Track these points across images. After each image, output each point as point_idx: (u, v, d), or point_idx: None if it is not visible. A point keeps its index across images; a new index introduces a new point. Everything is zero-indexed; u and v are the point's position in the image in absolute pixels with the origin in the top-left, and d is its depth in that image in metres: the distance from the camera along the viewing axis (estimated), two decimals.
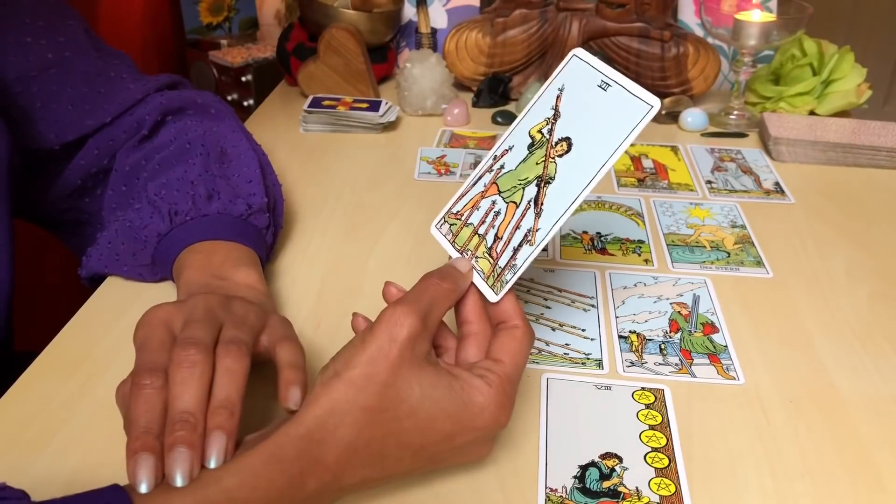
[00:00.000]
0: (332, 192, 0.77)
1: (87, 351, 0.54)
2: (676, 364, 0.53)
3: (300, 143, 0.90)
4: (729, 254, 0.67)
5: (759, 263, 0.66)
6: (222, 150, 0.61)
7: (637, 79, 0.99)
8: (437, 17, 1.09)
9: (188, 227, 0.56)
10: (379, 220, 0.72)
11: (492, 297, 0.44)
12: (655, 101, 0.41)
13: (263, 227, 0.59)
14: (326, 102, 0.94)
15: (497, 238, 0.45)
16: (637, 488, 0.43)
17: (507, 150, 0.48)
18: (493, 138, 0.91)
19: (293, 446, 0.36)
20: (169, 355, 0.40)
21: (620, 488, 0.43)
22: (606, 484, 0.43)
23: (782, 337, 0.56)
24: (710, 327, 0.57)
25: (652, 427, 0.48)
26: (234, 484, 0.35)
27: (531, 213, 0.44)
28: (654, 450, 0.46)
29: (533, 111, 0.47)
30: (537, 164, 0.45)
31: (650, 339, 0.56)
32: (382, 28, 1.04)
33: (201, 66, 1.46)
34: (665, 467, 0.45)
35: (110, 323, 0.57)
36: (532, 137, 0.46)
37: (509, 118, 0.96)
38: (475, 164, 0.84)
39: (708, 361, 0.54)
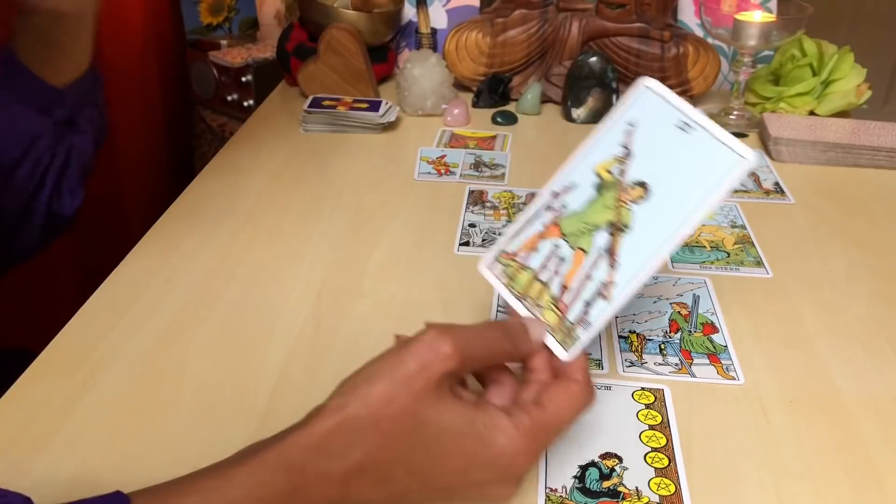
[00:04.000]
0: (332, 192, 0.77)
1: (87, 351, 0.54)
2: (676, 364, 0.53)
3: (300, 143, 0.90)
4: (729, 254, 0.67)
5: (759, 263, 0.66)
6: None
7: (637, 79, 0.99)
8: (437, 17, 1.09)
9: None
10: (379, 220, 0.72)
11: (562, 354, 0.41)
12: (750, 155, 0.38)
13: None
14: (326, 102, 0.94)
15: (564, 288, 0.41)
16: (637, 488, 0.43)
17: (568, 187, 0.43)
18: (493, 138, 0.91)
19: (301, 457, 0.35)
20: None
21: (620, 488, 0.43)
22: (606, 484, 0.43)
23: (782, 337, 0.56)
24: (710, 327, 0.57)
25: (652, 427, 0.48)
26: (239, 492, 0.35)
27: (604, 263, 0.40)
28: (654, 450, 0.46)
29: (597, 145, 0.43)
30: (608, 207, 0.41)
31: (650, 339, 0.56)
32: (382, 28, 1.04)
33: (201, 66, 1.46)
34: (665, 467, 0.45)
35: (110, 323, 0.57)
36: (600, 177, 0.42)
37: (509, 118, 0.96)
38: (475, 165, 0.84)
39: (708, 361, 0.54)
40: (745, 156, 0.38)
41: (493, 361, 0.40)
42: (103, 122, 0.67)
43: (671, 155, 0.40)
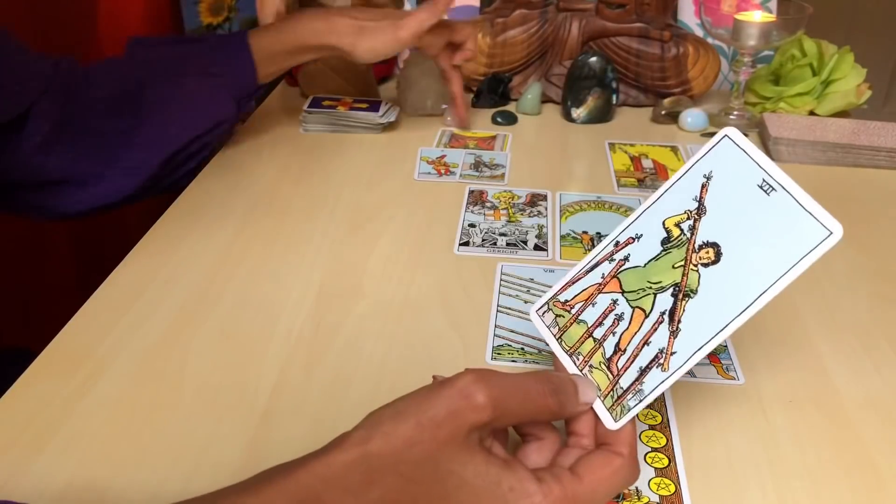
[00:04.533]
0: (332, 192, 0.77)
1: (88, 351, 0.54)
2: None
3: (300, 143, 0.90)
4: None
5: None
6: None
7: (637, 79, 1.00)
8: None
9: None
10: (379, 220, 0.72)
11: (609, 422, 0.38)
12: (838, 229, 0.35)
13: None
14: (326, 103, 0.94)
15: (619, 350, 0.39)
16: (637, 488, 0.43)
17: (632, 239, 0.40)
18: (493, 138, 0.91)
19: (317, 488, 0.34)
20: None
21: None
22: None
23: (782, 337, 0.56)
24: None
25: (652, 427, 0.48)
26: None
27: (664, 328, 0.37)
28: (654, 450, 0.46)
29: (670, 196, 0.40)
30: (674, 267, 0.38)
31: None
32: None
33: None
34: (665, 467, 0.45)
35: (111, 323, 0.57)
36: (668, 231, 0.39)
37: (509, 118, 0.96)
38: (475, 165, 0.84)
39: (708, 361, 0.54)
40: (833, 230, 0.35)
41: (532, 418, 0.38)
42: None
43: (748, 217, 0.37)
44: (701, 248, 0.38)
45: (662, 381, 0.37)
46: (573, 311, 0.41)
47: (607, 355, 0.39)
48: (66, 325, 0.56)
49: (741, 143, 0.39)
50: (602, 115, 0.96)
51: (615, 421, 0.38)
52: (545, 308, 0.43)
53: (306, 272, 0.64)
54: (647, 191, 0.79)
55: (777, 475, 0.44)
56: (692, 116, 0.94)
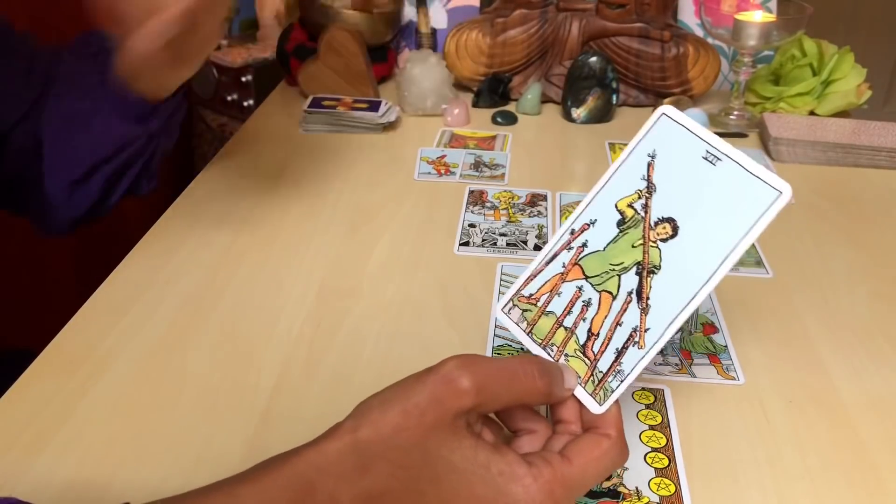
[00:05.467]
0: (332, 192, 0.77)
1: (87, 351, 0.54)
2: (676, 364, 0.53)
3: (300, 143, 0.90)
4: None
5: (759, 263, 0.66)
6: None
7: (637, 79, 1.00)
8: (437, 17, 1.09)
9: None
10: (379, 220, 0.72)
11: (594, 407, 0.38)
12: (785, 188, 0.36)
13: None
14: (326, 103, 0.94)
15: (592, 335, 0.39)
16: (637, 488, 0.43)
17: (587, 225, 0.41)
18: (493, 138, 0.91)
19: (310, 476, 0.34)
20: None
21: (620, 488, 0.43)
22: (606, 484, 0.43)
23: (782, 337, 0.56)
24: (710, 327, 0.57)
25: (652, 427, 0.48)
26: None
27: (634, 307, 0.38)
28: (654, 450, 0.46)
29: (617, 179, 0.41)
30: (634, 246, 0.39)
31: None
32: (382, 28, 1.04)
33: (201, 66, 1.46)
34: (665, 467, 0.45)
35: (110, 323, 0.57)
36: (622, 213, 0.40)
37: (509, 118, 0.96)
38: (475, 165, 0.84)
39: (708, 361, 0.54)
40: (782, 189, 0.36)
41: (521, 401, 0.37)
42: (182, 114, 0.72)
43: (698, 189, 0.38)
44: (657, 224, 0.38)
45: (641, 359, 0.37)
46: (539, 304, 0.41)
47: (581, 342, 0.39)
48: (66, 325, 0.56)
49: (680, 119, 0.39)
50: (602, 115, 0.96)
51: (599, 405, 0.38)
52: (510, 305, 0.42)
53: (306, 272, 0.64)
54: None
55: (777, 475, 0.44)
56: (692, 116, 0.93)
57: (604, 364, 0.38)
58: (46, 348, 0.54)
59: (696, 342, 0.56)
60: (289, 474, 0.34)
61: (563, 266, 0.41)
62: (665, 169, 0.39)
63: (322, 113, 0.92)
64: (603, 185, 0.41)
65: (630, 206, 0.40)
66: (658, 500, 0.42)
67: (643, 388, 0.51)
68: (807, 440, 0.47)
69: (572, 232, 0.41)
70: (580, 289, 0.40)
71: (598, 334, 0.39)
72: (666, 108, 0.40)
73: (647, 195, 0.39)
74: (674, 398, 0.50)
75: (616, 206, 0.40)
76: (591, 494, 0.43)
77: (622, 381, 0.37)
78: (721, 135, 1.01)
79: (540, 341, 0.41)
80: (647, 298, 0.38)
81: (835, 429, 0.48)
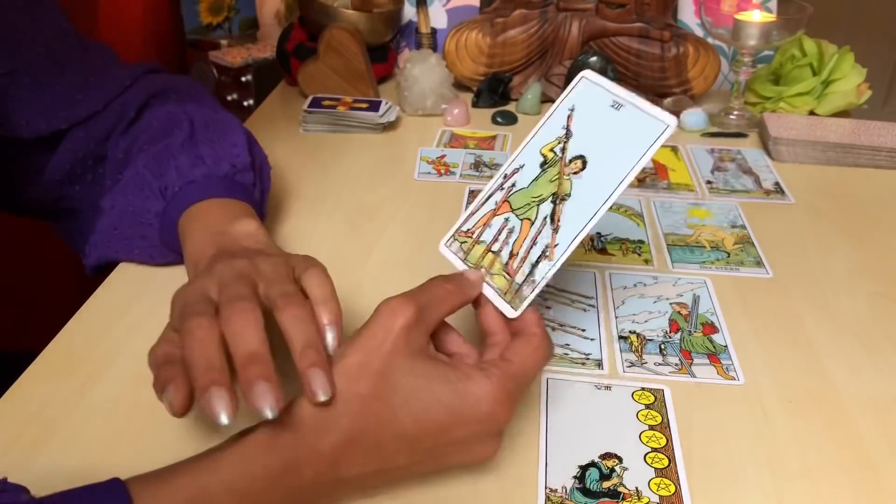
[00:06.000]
0: (332, 192, 0.77)
1: (87, 351, 0.54)
2: (676, 364, 0.53)
3: (300, 143, 0.90)
4: (729, 254, 0.67)
5: (759, 263, 0.66)
6: (206, 122, 0.62)
7: (637, 79, 1.00)
8: (437, 17, 1.09)
9: (179, 197, 0.56)
10: (379, 220, 0.72)
11: (510, 312, 0.44)
12: (671, 120, 0.42)
13: (249, 183, 0.60)
14: (326, 102, 0.94)
15: (512, 255, 0.45)
16: (637, 488, 0.43)
17: (517, 169, 0.48)
18: (493, 138, 0.91)
19: (289, 434, 0.37)
20: (215, 311, 0.40)
21: (620, 488, 0.43)
22: (606, 484, 0.43)
23: (782, 337, 0.56)
24: (710, 327, 0.57)
25: (652, 427, 0.48)
26: (232, 472, 0.36)
27: (548, 229, 0.44)
28: (654, 450, 0.46)
29: (543, 130, 0.48)
30: (551, 181, 0.45)
31: (650, 340, 0.56)
32: (382, 28, 1.04)
33: (201, 66, 1.46)
34: (665, 467, 0.45)
35: (110, 323, 0.57)
36: (544, 156, 0.47)
37: (509, 118, 0.96)
38: (475, 165, 0.84)
39: (708, 361, 0.54)
40: (667, 121, 0.42)
41: (445, 306, 0.43)
42: None
43: (605, 130, 0.44)
44: (571, 161, 0.45)
45: (550, 269, 0.43)
46: (474, 236, 0.48)
47: (504, 262, 0.45)
48: (66, 325, 0.56)
49: (596, 80, 0.47)
50: None
51: (514, 310, 0.44)
52: (451, 240, 0.49)
53: None
54: (648, 191, 0.79)
55: (777, 475, 0.44)
56: (692, 116, 0.94)
57: (520, 277, 0.44)
58: (46, 348, 0.54)
59: (696, 342, 0.56)
60: (269, 436, 0.37)
61: (496, 204, 0.48)
62: (581, 118, 0.46)
63: (322, 113, 0.92)
64: (532, 137, 0.48)
65: (552, 150, 0.47)
66: (658, 500, 0.42)
67: (643, 389, 0.51)
68: (807, 440, 0.47)
69: (505, 176, 0.48)
70: (507, 220, 0.47)
71: (517, 254, 0.45)
72: (586, 73, 0.47)
73: (564, 140, 0.46)
74: (674, 398, 0.50)
75: (540, 152, 0.47)
76: (591, 495, 0.43)
77: (533, 290, 0.43)
78: (721, 135, 1.01)
79: (472, 265, 0.47)
80: (559, 220, 0.44)
81: (834, 428, 0.48)
